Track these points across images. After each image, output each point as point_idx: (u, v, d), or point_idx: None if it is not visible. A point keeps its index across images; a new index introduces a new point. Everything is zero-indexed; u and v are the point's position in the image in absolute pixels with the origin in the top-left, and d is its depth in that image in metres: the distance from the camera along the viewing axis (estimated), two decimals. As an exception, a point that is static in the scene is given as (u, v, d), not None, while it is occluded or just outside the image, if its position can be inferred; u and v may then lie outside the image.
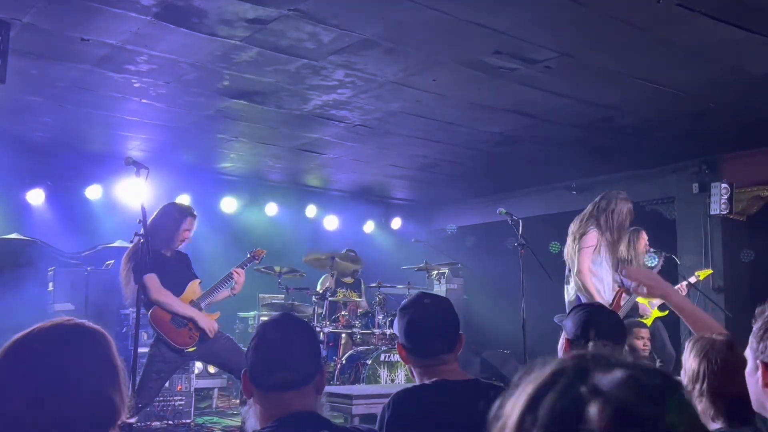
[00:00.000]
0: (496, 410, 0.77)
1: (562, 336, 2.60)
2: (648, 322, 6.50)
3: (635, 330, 5.36)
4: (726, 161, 7.73)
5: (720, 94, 6.11)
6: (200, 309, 4.98)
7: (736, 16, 4.59)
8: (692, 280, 6.49)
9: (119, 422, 1.45)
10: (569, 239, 5.43)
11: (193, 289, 5.08)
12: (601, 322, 2.50)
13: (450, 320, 2.37)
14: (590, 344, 2.43)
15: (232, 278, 5.18)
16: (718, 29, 4.73)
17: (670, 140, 7.33)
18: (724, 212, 7.41)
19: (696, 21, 4.60)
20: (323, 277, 8.32)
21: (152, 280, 4.76)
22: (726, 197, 7.38)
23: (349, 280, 8.35)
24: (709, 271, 7.11)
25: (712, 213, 7.50)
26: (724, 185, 7.42)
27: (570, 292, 5.45)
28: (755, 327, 1.73)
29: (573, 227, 5.46)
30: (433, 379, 2.27)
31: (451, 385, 2.25)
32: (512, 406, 0.74)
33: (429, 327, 2.32)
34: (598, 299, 5.05)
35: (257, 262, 5.69)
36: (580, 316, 2.54)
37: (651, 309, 6.69)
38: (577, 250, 5.27)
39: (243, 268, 5.27)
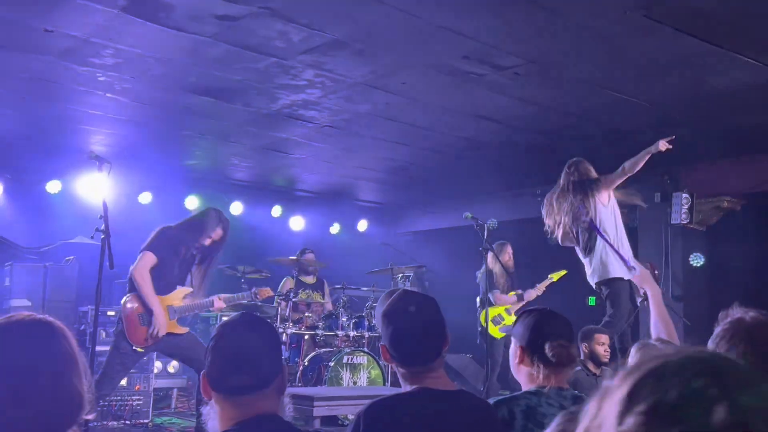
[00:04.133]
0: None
1: (513, 344, 2.60)
2: (498, 334, 6.72)
3: (596, 336, 5.33)
4: (687, 172, 7.87)
5: (683, 106, 6.23)
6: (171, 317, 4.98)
7: (700, 30, 4.68)
8: (546, 282, 7.39)
9: (84, 414, 1.43)
10: None
11: (178, 295, 5.05)
12: (553, 325, 2.51)
13: (437, 325, 2.29)
14: (546, 346, 2.44)
15: (213, 305, 5.25)
16: (682, 42, 4.82)
17: (634, 149, 7.41)
18: (685, 222, 7.54)
19: (661, 33, 4.68)
20: (285, 279, 8.26)
21: (146, 256, 4.82)
22: (686, 207, 7.51)
23: (311, 279, 8.29)
24: (563, 272, 7.40)
25: (672, 222, 7.63)
26: (684, 195, 7.55)
27: None
28: (714, 333, 1.75)
29: None
30: (415, 387, 2.21)
31: (432, 395, 2.18)
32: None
33: (416, 337, 2.24)
34: None
35: (258, 300, 5.80)
36: (529, 321, 2.54)
37: (502, 320, 6.94)
38: None
39: (226, 304, 5.34)
